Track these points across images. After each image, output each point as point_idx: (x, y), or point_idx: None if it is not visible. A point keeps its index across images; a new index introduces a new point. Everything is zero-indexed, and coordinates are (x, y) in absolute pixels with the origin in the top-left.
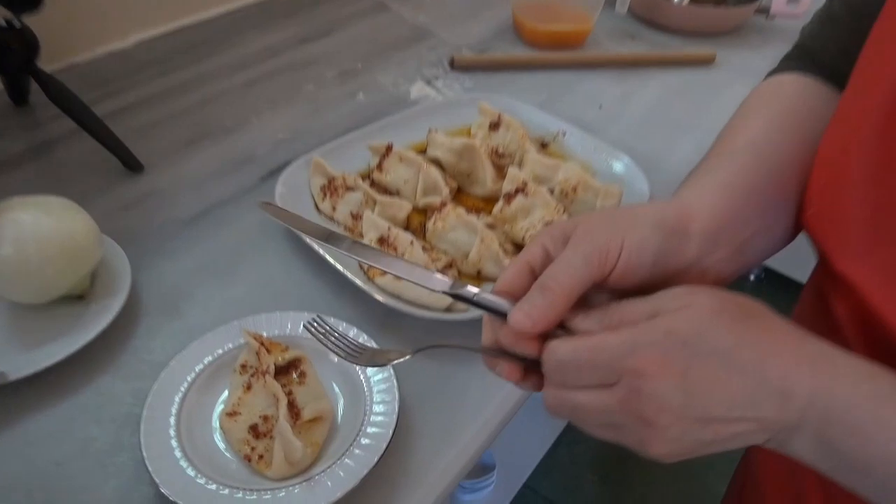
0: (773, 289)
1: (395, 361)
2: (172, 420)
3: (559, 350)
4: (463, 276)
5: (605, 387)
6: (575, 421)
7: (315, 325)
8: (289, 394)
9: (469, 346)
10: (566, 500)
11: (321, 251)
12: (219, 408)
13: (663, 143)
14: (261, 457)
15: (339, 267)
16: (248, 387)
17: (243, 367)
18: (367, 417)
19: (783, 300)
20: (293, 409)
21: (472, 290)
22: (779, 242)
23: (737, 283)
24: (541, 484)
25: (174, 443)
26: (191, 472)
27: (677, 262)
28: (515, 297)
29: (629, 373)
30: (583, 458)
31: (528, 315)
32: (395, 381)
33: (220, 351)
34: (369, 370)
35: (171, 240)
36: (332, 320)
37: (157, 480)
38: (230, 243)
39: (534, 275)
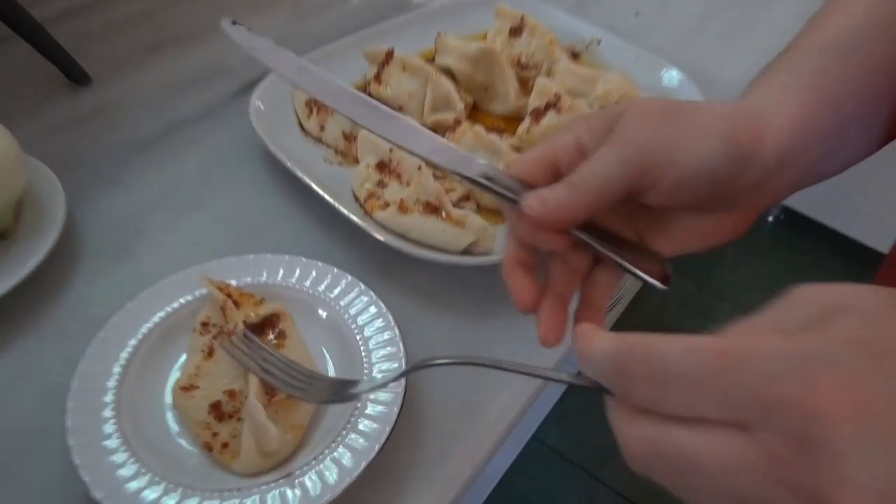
0: (793, 232)
1: (370, 389)
2: (110, 396)
3: (662, 351)
4: (483, 212)
5: (735, 428)
6: (672, 481)
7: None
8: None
9: (481, 360)
10: (574, 452)
11: (307, 179)
12: (173, 380)
13: (712, 56)
14: (225, 445)
15: (329, 198)
16: (210, 352)
17: (204, 325)
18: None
19: (805, 243)
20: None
21: (482, 164)
22: (848, 162)
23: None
24: (549, 435)
25: (111, 426)
26: (130, 468)
27: (734, 187)
28: (533, 186)
29: (789, 407)
30: (591, 408)
31: (542, 201)
32: (401, 344)
33: (176, 305)
34: (367, 330)
35: (121, 166)
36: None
37: (86, 479)
38: (194, 170)
39: (555, 172)
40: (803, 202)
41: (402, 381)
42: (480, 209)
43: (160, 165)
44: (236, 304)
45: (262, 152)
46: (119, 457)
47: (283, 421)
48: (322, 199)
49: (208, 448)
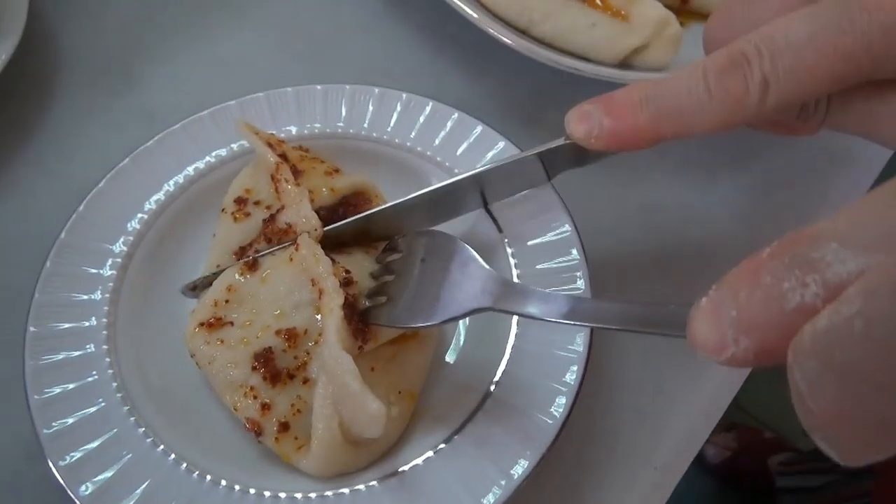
0: None
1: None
2: (98, 318)
3: None
4: None
5: None
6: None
7: None
8: (346, 283)
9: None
10: None
11: None
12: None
13: None
14: (284, 427)
15: None
16: (252, 264)
17: (241, 203)
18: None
19: None
20: (354, 318)
21: None
22: None
23: None
24: None
25: (99, 367)
26: (130, 437)
27: None
28: None
29: None
30: None
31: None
32: (576, 238)
33: (201, 165)
34: (517, 215)
35: None
36: None
37: (46, 449)
38: None
39: None
40: None
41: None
42: None
43: None
44: (296, 170)
45: None
46: (115, 428)
47: (385, 385)
48: None
49: (254, 430)
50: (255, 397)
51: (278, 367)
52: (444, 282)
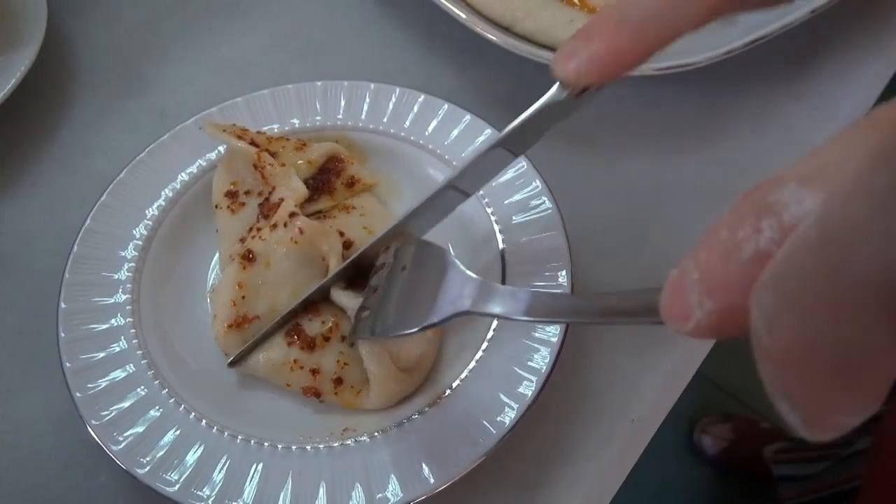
0: None
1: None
2: (122, 294)
3: None
4: None
5: None
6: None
7: None
8: (346, 245)
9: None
10: None
11: None
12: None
13: None
14: (338, 382)
15: None
16: (250, 254)
17: (232, 196)
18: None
19: None
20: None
21: None
22: None
23: None
24: None
25: (126, 342)
26: (156, 408)
27: None
28: None
29: None
30: None
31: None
32: (561, 224)
33: (213, 156)
34: (505, 201)
35: None
36: None
37: (81, 410)
38: None
39: None
40: None
41: (567, 265)
42: None
43: None
44: (270, 153)
45: None
46: (142, 389)
47: None
48: None
49: (313, 394)
50: (301, 367)
51: (310, 335)
52: (424, 289)
